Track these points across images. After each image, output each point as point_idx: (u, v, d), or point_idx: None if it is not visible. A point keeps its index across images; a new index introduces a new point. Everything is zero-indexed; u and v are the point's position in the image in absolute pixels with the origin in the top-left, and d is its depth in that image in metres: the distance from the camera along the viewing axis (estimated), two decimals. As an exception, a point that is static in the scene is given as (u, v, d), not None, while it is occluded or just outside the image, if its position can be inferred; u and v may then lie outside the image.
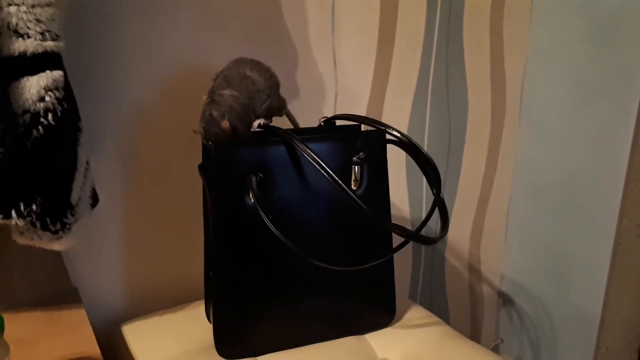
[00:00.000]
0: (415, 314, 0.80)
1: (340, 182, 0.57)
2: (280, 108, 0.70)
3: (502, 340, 1.33)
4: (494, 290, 1.31)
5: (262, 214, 0.60)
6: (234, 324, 0.66)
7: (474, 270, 1.26)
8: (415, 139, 1.05)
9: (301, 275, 0.68)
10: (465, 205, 1.19)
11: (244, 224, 0.64)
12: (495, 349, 1.34)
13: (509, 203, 1.25)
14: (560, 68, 1.11)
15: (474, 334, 1.31)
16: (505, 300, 1.31)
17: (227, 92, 0.61)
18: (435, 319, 0.79)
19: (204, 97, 0.63)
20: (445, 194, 1.15)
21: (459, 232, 1.20)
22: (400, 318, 0.78)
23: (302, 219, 0.66)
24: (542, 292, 1.24)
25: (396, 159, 1.01)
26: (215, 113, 0.60)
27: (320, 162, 0.58)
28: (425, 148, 1.08)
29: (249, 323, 0.67)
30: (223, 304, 0.66)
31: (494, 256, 1.28)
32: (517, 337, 1.30)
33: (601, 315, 1.12)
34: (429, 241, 0.61)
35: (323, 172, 0.58)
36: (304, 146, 0.59)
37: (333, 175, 0.57)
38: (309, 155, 0.58)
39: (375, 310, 0.74)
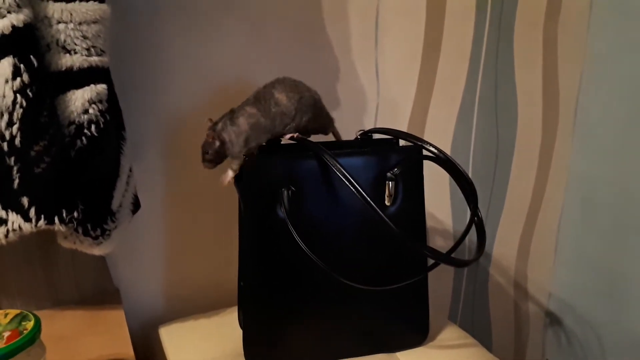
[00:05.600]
0: (451, 334, 0.77)
1: (368, 199, 0.56)
2: (323, 128, 0.70)
3: (548, 362, 1.28)
4: (541, 309, 1.26)
5: (292, 229, 0.60)
6: (263, 334, 0.67)
7: (520, 287, 1.22)
8: (461, 152, 1.03)
9: (331, 289, 0.67)
10: (512, 220, 1.15)
11: (275, 236, 0.64)
12: (541, 371, 1.29)
13: (560, 219, 1.20)
14: (617, 80, 1.05)
15: (517, 354, 1.26)
16: (552, 320, 1.26)
17: (248, 108, 0.64)
18: (470, 340, 0.77)
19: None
20: (491, 208, 1.11)
21: (505, 247, 1.16)
22: (434, 337, 0.76)
23: (334, 234, 0.66)
24: (592, 314, 1.18)
25: (439, 170, 0.99)
26: (218, 127, 0.64)
27: (350, 177, 0.57)
28: (470, 160, 1.05)
29: (278, 334, 0.68)
30: (252, 313, 0.67)
31: (541, 274, 1.23)
32: (564, 359, 1.24)
33: (657, 343, 1.05)
34: (461, 264, 0.60)
35: (352, 188, 0.57)
36: (334, 161, 0.59)
37: (362, 191, 0.57)
38: (338, 170, 0.58)
39: (407, 329, 0.73)
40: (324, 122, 0.70)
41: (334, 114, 0.85)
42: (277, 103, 0.64)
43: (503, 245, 1.16)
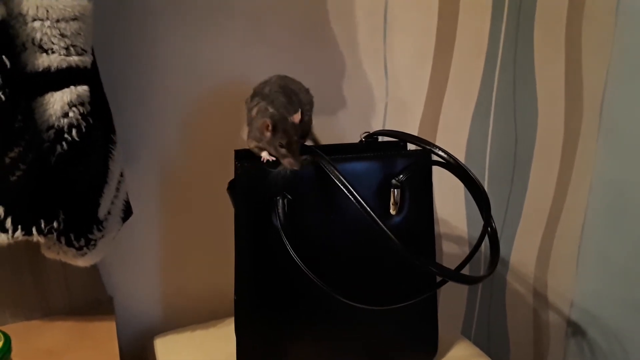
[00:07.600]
0: (462, 350, 0.72)
1: (368, 208, 0.52)
2: (307, 131, 0.66)
3: (569, 374, 1.21)
4: (562, 319, 1.19)
5: (286, 241, 0.56)
6: (257, 350, 0.63)
7: (539, 296, 1.15)
8: (476, 154, 0.97)
9: (332, 304, 0.62)
10: (532, 225, 1.08)
11: (270, 248, 0.60)
12: (562, 383, 1.22)
13: (583, 225, 1.13)
14: (648, 76, 0.98)
15: (537, 366, 1.20)
16: (575, 330, 1.19)
17: (281, 97, 0.59)
18: (484, 358, 0.71)
19: None
20: (509, 213, 1.05)
21: (524, 254, 1.10)
22: (444, 354, 0.71)
23: (334, 246, 0.61)
24: (617, 324, 1.11)
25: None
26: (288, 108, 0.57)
27: (348, 185, 0.53)
28: (487, 163, 0.99)
29: (274, 351, 0.63)
30: (246, 330, 0.62)
31: (563, 281, 1.16)
32: (588, 372, 1.17)
33: (688, 358, 0.98)
34: (471, 281, 0.54)
35: (351, 196, 0.52)
36: (331, 167, 0.55)
37: (361, 201, 0.52)
38: (336, 177, 0.54)
39: (414, 345, 0.68)
40: (309, 124, 0.65)
41: (339, 116, 0.80)
42: (300, 100, 0.60)
43: (521, 252, 1.10)
